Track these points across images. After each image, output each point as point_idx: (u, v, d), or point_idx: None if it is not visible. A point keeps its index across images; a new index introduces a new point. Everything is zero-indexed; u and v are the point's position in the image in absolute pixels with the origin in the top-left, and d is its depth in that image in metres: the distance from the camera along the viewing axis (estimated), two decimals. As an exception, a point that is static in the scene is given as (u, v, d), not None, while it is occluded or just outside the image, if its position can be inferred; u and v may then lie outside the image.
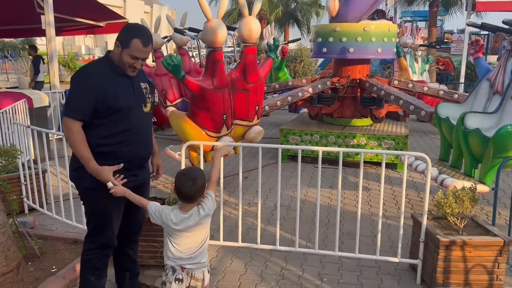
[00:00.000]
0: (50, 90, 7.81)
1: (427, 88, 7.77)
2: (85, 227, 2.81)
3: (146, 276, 3.40)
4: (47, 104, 7.38)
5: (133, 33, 2.50)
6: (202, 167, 3.76)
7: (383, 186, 3.49)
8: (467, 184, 3.80)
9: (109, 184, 2.47)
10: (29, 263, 3.47)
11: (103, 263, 2.76)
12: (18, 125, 5.29)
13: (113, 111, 2.50)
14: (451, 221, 3.26)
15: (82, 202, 2.76)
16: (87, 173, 2.50)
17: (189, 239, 2.44)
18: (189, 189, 2.39)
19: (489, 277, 3.13)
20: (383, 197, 3.53)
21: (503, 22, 4.61)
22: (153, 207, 2.48)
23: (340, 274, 3.56)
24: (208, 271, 2.57)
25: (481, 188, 4.17)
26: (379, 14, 9.34)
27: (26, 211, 4.71)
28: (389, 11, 23.13)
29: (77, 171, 2.59)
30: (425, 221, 3.30)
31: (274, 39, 5.86)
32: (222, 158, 3.77)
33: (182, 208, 2.45)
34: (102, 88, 2.45)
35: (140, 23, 3.06)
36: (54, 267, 3.43)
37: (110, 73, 2.53)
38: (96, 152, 2.50)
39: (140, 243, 3.30)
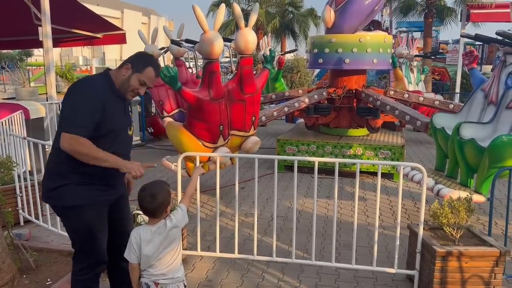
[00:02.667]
0: (47, 101, 7.80)
1: (422, 98, 7.81)
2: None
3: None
4: (44, 115, 7.38)
5: (148, 61, 2.60)
6: (198, 178, 3.76)
7: (379, 196, 3.49)
8: (463, 194, 3.81)
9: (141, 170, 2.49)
10: (24, 276, 3.43)
11: (95, 282, 2.69)
12: (14, 137, 5.28)
13: (107, 131, 2.48)
14: (447, 231, 3.27)
15: (63, 222, 2.69)
16: (68, 191, 2.47)
17: (155, 252, 2.40)
18: (148, 205, 2.39)
19: (486, 287, 3.12)
20: (379, 207, 3.53)
21: (497, 33, 4.67)
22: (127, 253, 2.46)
23: (337, 285, 3.55)
24: (185, 286, 2.55)
25: (477, 198, 4.18)
26: (375, 25, 9.43)
27: (22, 223, 4.69)
28: (384, 21, 23.36)
29: (57, 190, 2.50)
30: (421, 232, 3.30)
31: (270, 50, 5.89)
32: (218, 168, 3.78)
33: (149, 222, 2.47)
34: (103, 106, 2.43)
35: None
36: (49, 279, 3.40)
37: (108, 92, 2.53)
38: (82, 172, 2.46)
39: None
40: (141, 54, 2.71)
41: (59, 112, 7.95)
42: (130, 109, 2.83)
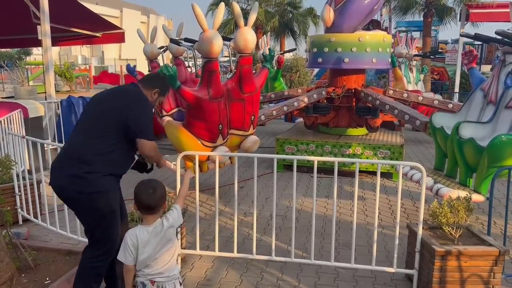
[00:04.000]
0: (46, 100, 7.79)
1: (422, 98, 7.82)
2: (79, 238, 2.80)
3: None
4: (43, 114, 7.37)
5: (168, 88, 3.22)
6: (197, 177, 3.76)
7: (378, 196, 3.49)
8: (462, 193, 3.81)
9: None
10: (23, 275, 3.42)
11: (105, 269, 2.83)
12: (13, 135, 5.27)
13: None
14: (446, 230, 3.27)
15: (85, 211, 2.79)
16: (96, 178, 2.69)
17: (153, 251, 2.41)
18: (149, 198, 2.39)
19: (485, 287, 3.12)
20: (378, 206, 3.53)
21: (496, 33, 4.66)
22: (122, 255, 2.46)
23: (336, 284, 3.55)
24: (180, 283, 2.56)
25: (476, 197, 4.18)
26: (374, 24, 9.41)
27: (20, 222, 4.68)
28: (384, 21, 23.34)
29: (85, 176, 2.68)
30: (420, 231, 3.30)
31: (269, 49, 5.89)
32: (217, 168, 3.77)
33: (144, 222, 2.45)
34: None
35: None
36: (48, 278, 3.39)
37: None
38: (107, 159, 2.75)
39: None
40: (163, 79, 3.28)
41: (58, 111, 7.94)
42: None
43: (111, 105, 2.85)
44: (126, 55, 30.42)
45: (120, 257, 2.44)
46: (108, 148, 2.75)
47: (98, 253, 2.76)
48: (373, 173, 6.77)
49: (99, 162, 2.71)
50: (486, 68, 19.58)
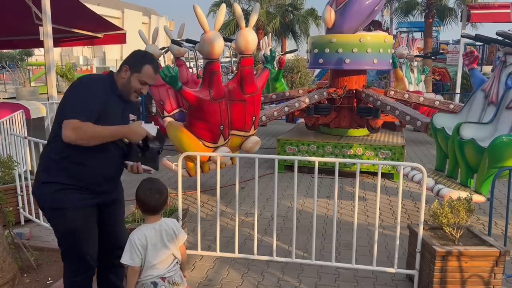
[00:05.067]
0: (48, 100, 7.81)
1: (423, 99, 7.82)
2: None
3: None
4: (45, 115, 7.39)
5: (144, 60, 2.55)
6: (198, 178, 3.77)
7: (379, 196, 3.50)
8: (463, 194, 3.81)
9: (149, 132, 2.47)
10: (25, 275, 3.44)
11: (88, 283, 2.61)
12: (15, 136, 5.29)
13: None
14: (447, 231, 3.27)
15: (50, 223, 2.59)
16: (52, 192, 2.41)
17: (164, 248, 2.41)
18: (156, 202, 2.40)
19: (486, 287, 3.13)
20: (379, 207, 3.53)
21: (497, 34, 4.67)
22: (128, 255, 2.38)
23: (337, 284, 3.56)
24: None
25: (477, 198, 4.18)
26: (375, 25, 9.42)
27: (22, 222, 4.70)
28: (385, 22, 23.33)
29: (41, 189, 2.45)
30: (421, 232, 3.30)
31: (270, 50, 5.89)
32: (219, 168, 3.78)
33: (149, 221, 2.44)
34: (103, 102, 2.41)
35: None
36: (49, 278, 3.40)
37: (111, 92, 2.50)
38: (70, 174, 2.40)
39: None
40: (137, 53, 2.64)
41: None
42: (134, 119, 2.72)
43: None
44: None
45: (126, 260, 2.36)
46: (62, 153, 2.39)
47: (72, 269, 2.55)
48: (374, 174, 6.78)
49: (54, 170, 2.42)
50: (487, 68, 19.57)
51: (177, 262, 2.51)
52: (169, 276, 2.43)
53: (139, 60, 2.55)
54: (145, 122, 2.53)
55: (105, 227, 2.66)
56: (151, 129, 2.48)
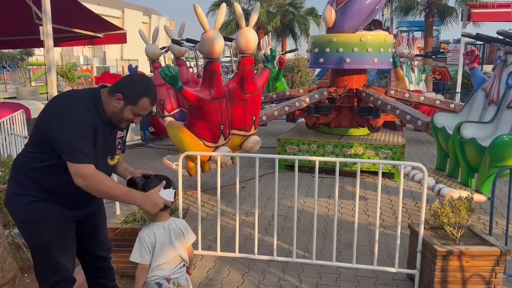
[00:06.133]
0: (48, 100, 7.81)
1: (423, 98, 7.81)
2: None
3: None
4: (45, 115, 7.37)
5: (142, 91, 2.27)
6: (199, 177, 3.77)
7: (380, 196, 3.49)
8: (464, 193, 3.81)
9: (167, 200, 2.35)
10: (25, 275, 3.44)
11: None
12: (16, 136, 5.28)
13: None
14: (448, 231, 3.26)
15: (27, 237, 2.39)
16: (24, 203, 2.26)
17: (172, 248, 2.41)
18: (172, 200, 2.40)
19: (487, 287, 3.12)
20: (380, 206, 3.53)
21: (498, 33, 4.66)
22: (138, 253, 2.36)
23: (337, 284, 3.55)
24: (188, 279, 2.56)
25: (478, 197, 4.18)
26: (376, 25, 9.42)
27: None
28: (385, 21, 23.32)
29: (13, 200, 2.29)
30: (422, 231, 3.30)
31: (271, 49, 5.89)
32: (219, 168, 3.78)
33: (159, 219, 2.41)
34: (93, 127, 2.21)
35: (142, 75, 2.59)
36: (50, 278, 3.40)
37: (96, 116, 2.23)
38: (44, 189, 2.26)
39: (126, 254, 3.24)
40: (134, 82, 2.31)
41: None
42: (123, 135, 2.50)
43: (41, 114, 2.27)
44: (128, 56, 30.51)
45: (135, 258, 2.34)
46: (40, 163, 2.22)
47: (49, 286, 2.36)
48: (375, 173, 6.77)
49: (27, 182, 2.26)
50: (487, 68, 19.56)
51: (184, 265, 2.50)
52: (174, 277, 2.42)
53: (137, 91, 2.26)
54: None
55: (87, 237, 2.52)
56: (169, 195, 2.36)
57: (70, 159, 2.13)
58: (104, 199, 2.52)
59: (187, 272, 2.57)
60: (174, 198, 2.41)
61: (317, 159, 3.55)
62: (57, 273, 2.35)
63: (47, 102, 2.42)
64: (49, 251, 2.31)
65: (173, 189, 2.39)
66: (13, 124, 6.08)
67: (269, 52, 5.68)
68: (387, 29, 16.51)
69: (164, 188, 2.34)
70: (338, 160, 3.47)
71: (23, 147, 5.17)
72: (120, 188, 2.26)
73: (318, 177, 3.60)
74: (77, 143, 2.13)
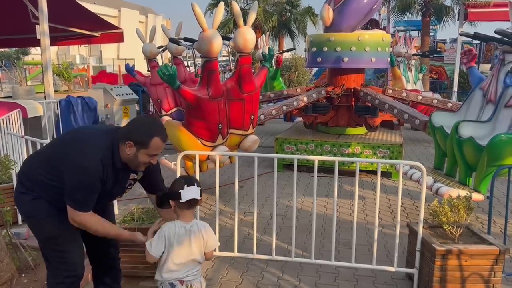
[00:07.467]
0: (45, 99, 7.77)
1: (421, 97, 7.82)
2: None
3: None
4: (41, 114, 7.35)
5: (151, 132, 2.31)
6: (197, 177, 3.75)
7: (378, 195, 3.49)
8: (462, 192, 3.81)
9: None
10: (23, 275, 3.42)
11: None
12: (12, 135, 5.25)
13: None
14: (446, 229, 3.27)
15: (32, 231, 2.53)
16: (29, 200, 2.38)
17: (189, 250, 2.39)
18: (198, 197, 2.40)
19: (486, 286, 3.13)
20: (378, 205, 3.53)
21: (495, 32, 4.67)
22: (155, 243, 2.37)
23: (336, 283, 3.55)
24: (204, 278, 2.56)
25: (476, 196, 4.18)
26: (373, 24, 9.41)
27: (20, 222, 4.65)
28: (382, 20, 23.37)
29: (21, 196, 2.42)
30: (420, 230, 3.30)
31: (269, 48, 5.89)
32: (217, 167, 3.77)
33: (183, 219, 2.41)
34: (103, 181, 2.31)
35: (148, 116, 2.55)
36: (48, 278, 3.38)
37: (109, 167, 2.32)
38: (50, 196, 2.37)
39: (133, 253, 3.24)
40: (140, 124, 2.37)
41: (56, 110, 7.93)
42: (135, 177, 2.59)
43: (60, 150, 2.37)
44: (124, 55, 30.41)
45: (151, 247, 2.35)
46: (48, 181, 2.35)
47: (58, 280, 2.45)
48: (373, 173, 6.78)
49: (31, 183, 2.38)
50: (485, 67, 19.61)
51: (198, 270, 2.48)
52: (188, 280, 2.40)
53: (146, 134, 2.29)
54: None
55: (94, 237, 2.53)
56: (195, 194, 2.38)
57: (70, 204, 2.29)
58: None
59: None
60: (201, 195, 2.42)
61: (316, 158, 3.54)
62: (65, 266, 2.45)
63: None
64: (55, 244, 2.43)
65: (197, 186, 2.39)
66: (9, 124, 6.04)
67: (267, 51, 5.67)
68: (384, 29, 16.53)
69: (187, 186, 2.35)
70: (337, 159, 3.47)
71: (20, 147, 5.13)
72: (114, 227, 2.49)
73: (317, 176, 3.60)
74: (82, 195, 2.28)
